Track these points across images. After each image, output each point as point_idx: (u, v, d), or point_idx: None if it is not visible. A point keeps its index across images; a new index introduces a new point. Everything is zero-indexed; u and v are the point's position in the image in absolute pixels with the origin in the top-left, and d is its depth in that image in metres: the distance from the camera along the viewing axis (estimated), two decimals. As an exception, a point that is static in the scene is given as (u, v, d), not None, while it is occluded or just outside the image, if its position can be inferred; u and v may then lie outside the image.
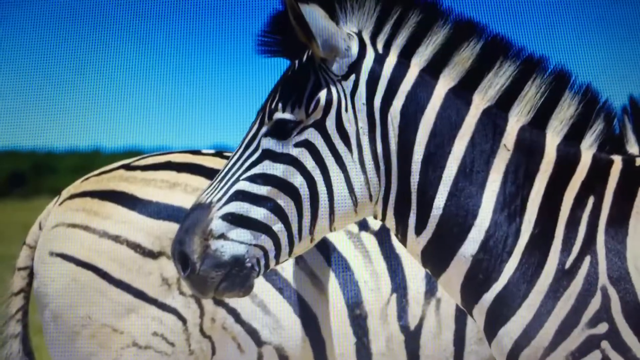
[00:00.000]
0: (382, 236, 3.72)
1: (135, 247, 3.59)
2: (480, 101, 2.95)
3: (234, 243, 2.87)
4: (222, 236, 2.87)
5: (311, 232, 2.94)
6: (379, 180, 2.95)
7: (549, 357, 2.80)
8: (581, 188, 2.88)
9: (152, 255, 3.59)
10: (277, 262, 2.96)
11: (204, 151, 3.85)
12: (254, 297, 3.61)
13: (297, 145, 2.91)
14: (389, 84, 2.94)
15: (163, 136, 3.80)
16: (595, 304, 2.78)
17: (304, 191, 2.91)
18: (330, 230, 2.99)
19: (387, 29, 2.98)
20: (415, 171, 2.92)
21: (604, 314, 2.77)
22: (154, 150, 3.89)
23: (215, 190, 2.91)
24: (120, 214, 3.63)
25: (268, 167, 2.91)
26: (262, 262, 2.92)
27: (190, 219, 2.89)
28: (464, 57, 2.96)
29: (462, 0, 3.08)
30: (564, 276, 2.82)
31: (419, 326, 3.64)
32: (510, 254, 2.86)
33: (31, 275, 3.74)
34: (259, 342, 3.61)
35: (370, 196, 2.95)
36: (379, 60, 2.96)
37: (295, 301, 3.64)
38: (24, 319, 3.76)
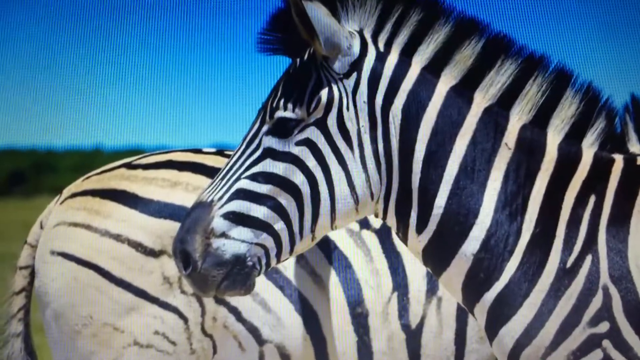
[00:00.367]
0: (383, 234, 3.72)
1: (137, 245, 3.59)
2: (481, 100, 2.95)
3: (235, 241, 2.87)
4: (224, 235, 2.87)
5: (312, 230, 2.94)
6: (380, 178, 2.95)
7: (550, 356, 2.80)
8: (582, 187, 2.88)
9: (154, 254, 3.59)
10: (278, 261, 2.96)
11: (205, 150, 3.85)
12: (255, 296, 3.61)
13: (298, 143, 2.91)
14: (390, 82, 2.94)
15: (164, 135, 3.80)
16: (596, 303, 2.78)
17: (305, 190, 2.91)
18: (332, 229, 2.99)
19: (388, 27, 2.97)
20: (416, 170, 2.92)
21: (605, 313, 2.77)
22: (155, 149, 3.89)
23: (216, 188, 2.91)
24: (122, 213, 3.63)
25: (269, 166, 2.91)
26: (263, 261, 2.92)
27: (191, 218, 2.89)
28: (466, 56, 2.96)
29: (462, -1, 3.08)
30: (565, 275, 2.82)
31: (420, 325, 3.64)
32: (511, 252, 2.86)
33: (32, 274, 3.74)
34: (260, 340, 3.61)
35: (372, 195, 2.95)
36: (381, 58, 2.96)
37: (297, 299, 3.64)
38: (25, 318, 3.76)
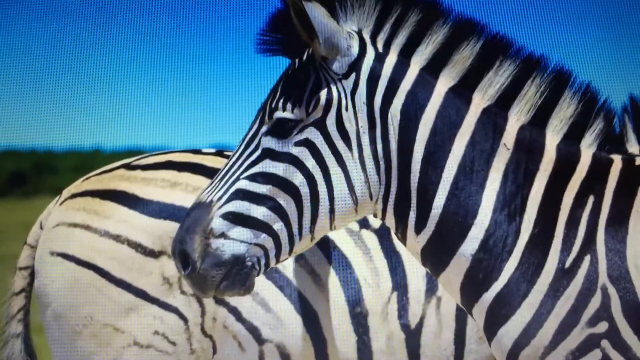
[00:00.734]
0: (382, 234, 3.72)
1: (136, 246, 3.60)
2: (480, 100, 2.95)
3: (235, 242, 2.88)
4: (223, 235, 2.87)
5: (311, 230, 2.95)
6: (379, 179, 2.95)
7: (549, 356, 2.80)
8: (581, 187, 2.88)
9: (153, 254, 3.59)
10: (278, 261, 2.97)
11: (205, 150, 3.85)
12: (254, 296, 3.61)
13: (297, 144, 2.91)
14: (389, 83, 2.94)
15: (163, 135, 3.80)
16: (595, 303, 2.79)
17: (305, 190, 2.91)
18: (331, 229, 2.99)
19: (387, 28, 2.98)
20: (415, 170, 2.92)
21: (604, 313, 2.78)
22: (154, 149, 3.90)
23: (215, 189, 2.91)
24: (121, 214, 3.63)
25: (268, 166, 2.91)
26: (263, 261, 2.92)
27: (190, 218, 2.89)
28: (464, 56, 2.96)
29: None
30: (564, 275, 2.82)
31: (420, 325, 3.64)
32: (510, 253, 2.87)
33: (32, 275, 3.74)
34: (259, 340, 3.62)
35: (371, 195, 2.96)
36: (379, 59, 2.96)
37: (296, 299, 3.65)
38: (25, 318, 3.76)
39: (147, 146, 3.94)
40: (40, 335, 3.76)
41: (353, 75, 2.94)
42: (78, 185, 3.78)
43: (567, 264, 2.82)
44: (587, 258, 2.81)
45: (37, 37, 3.74)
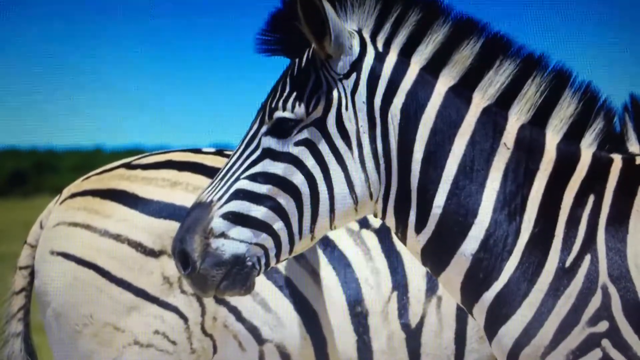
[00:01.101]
0: (382, 234, 3.72)
1: (137, 245, 3.60)
2: (480, 100, 2.95)
3: (235, 242, 2.88)
4: (223, 235, 2.87)
5: (312, 230, 2.95)
6: (379, 178, 2.95)
7: (549, 355, 2.80)
8: (581, 187, 2.88)
9: (154, 254, 3.59)
10: (278, 261, 2.97)
11: (205, 150, 3.85)
12: (255, 295, 3.62)
13: (297, 144, 2.91)
14: (389, 82, 2.94)
15: (164, 135, 3.80)
16: (595, 302, 2.78)
17: (305, 190, 2.91)
18: (331, 229, 2.99)
19: (387, 28, 2.98)
20: (415, 170, 2.92)
21: (605, 312, 2.77)
22: (154, 149, 3.90)
23: (215, 188, 2.91)
24: (121, 213, 3.63)
25: (268, 166, 2.91)
26: (263, 261, 2.92)
27: (190, 218, 2.89)
28: (464, 56, 2.96)
29: (462, -1, 3.08)
30: (564, 275, 2.82)
31: (420, 324, 3.64)
32: (510, 252, 2.87)
33: (32, 274, 3.74)
34: (260, 340, 3.62)
35: (371, 195, 2.96)
36: (380, 58, 2.96)
37: (296, 299, 3.65)
38: (25, 317, 3.77)
39: (147, 145, 3.94)
40: (40, 335, 3.76)
41: (353, 75, 2.94)
42: (78, 185, 3.78)
43: (568, 264, 2.82)
44: (588, 257, 2.81)
45: (38, 38, 3.74)
